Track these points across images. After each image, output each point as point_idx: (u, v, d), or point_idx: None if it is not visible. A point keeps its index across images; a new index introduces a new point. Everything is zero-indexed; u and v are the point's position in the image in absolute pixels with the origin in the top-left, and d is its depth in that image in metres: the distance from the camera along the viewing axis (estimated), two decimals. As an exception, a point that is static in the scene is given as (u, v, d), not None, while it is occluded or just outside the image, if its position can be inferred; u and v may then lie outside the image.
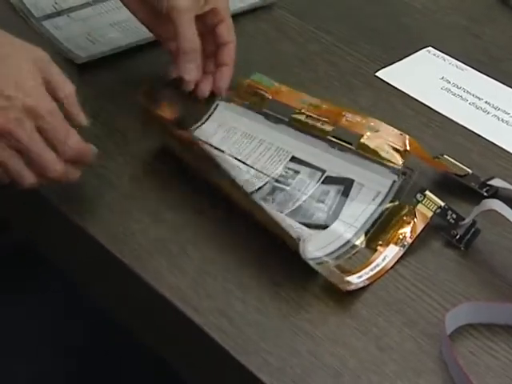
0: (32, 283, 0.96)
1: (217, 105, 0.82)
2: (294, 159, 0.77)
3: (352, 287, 0.66)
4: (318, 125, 0.78)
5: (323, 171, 0.76)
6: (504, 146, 0.82)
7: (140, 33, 0.93)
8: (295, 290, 0.66)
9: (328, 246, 0.70)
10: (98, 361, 0.91)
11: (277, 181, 0.76)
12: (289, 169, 0.77)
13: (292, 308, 0.65)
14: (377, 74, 0.91)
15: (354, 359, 0.61)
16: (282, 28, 0.95)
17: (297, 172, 0.77)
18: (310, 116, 0.79)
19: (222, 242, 0.70)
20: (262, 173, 0.76)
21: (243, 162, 0.77)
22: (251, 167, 0.77)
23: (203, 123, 0.81)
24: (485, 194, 0.74)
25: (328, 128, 0.78)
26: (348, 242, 0.71)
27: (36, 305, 0.94)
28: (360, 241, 0.71)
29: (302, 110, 0.79)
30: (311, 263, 0.66)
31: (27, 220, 0.82)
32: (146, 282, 0.67)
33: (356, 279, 0.67)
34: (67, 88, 0.70)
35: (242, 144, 0.79)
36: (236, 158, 0.78)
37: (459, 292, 0.67)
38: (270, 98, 0.82)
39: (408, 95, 0.88)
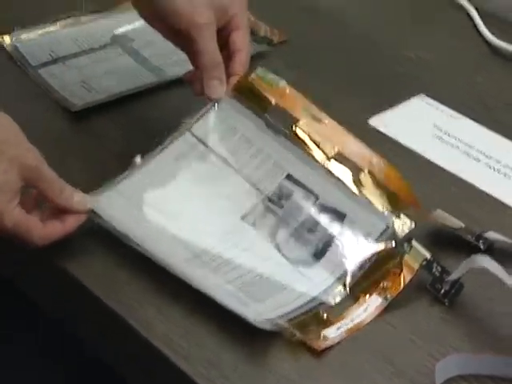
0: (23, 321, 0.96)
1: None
2: (289, 177, 0.77)
3: (328, 343, 0.66)
4: (320, 146, 0.77)
5: (317, 197, 0.76)
6: (496, 195, 0.83)
7: (135, 80, 0.96)
8: (285, 339, 0.66)
9: (311, 291, 0.70)
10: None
11: (270, 200, 0.76)
12: (283, 187, 0.77)
13: (283, 359, 0.65)
14: (369, 121, 0.92)
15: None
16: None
17: (291, 193, 0.76)
18: (310, 134, 0.78)
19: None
20: (257, 189, 0.76)
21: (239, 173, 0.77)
22: (246, 181, 0.77)
23: (202, 116, 0.80)
24: (481, 246, 0.74)
25: (328, 152, 0.77)
26: (331, 286, 0.70)
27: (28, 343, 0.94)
28: (343, 286, 0.71)
29: (303, 125, 0.78)
30: (276, 327, 0.65)
31: (13, 264, 0.83)
32: (135, 330, 0.68)
33: (334, 331, 0.67)
34: (56, 191, 0.72)
35: (240, 149, 0.79)
36: (233, 167, 0.77)
37: (448, 343, 0.67)
38: (273, 102, 0.80)
39: (400, 143, 0.90)
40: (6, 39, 1.02)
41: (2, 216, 0.68)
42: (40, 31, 1.05)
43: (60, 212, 0.72)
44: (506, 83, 1.02)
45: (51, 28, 1.05)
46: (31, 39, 1.03)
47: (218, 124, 0.80)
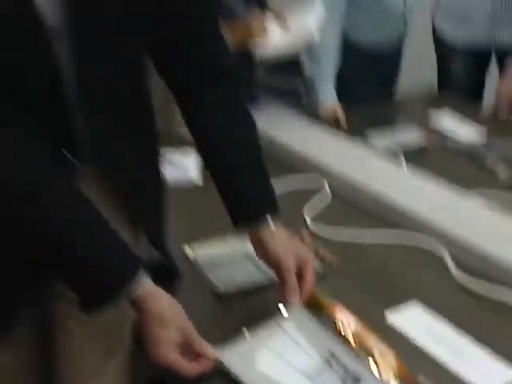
0: None
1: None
2: (332, 354, 1.17)
3: None
4: (352, 338, 1.18)
5: (345, 368, 1.15)
6: (456, 372, 1.19)
7: (255, 280, 1.34)
8: None
9: None
10: None
11: (320, 366, 1.15)
12: (328, 362, 1.16)
13: None
14: (386, 318, 1.28)
15: None
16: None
17: (331, 363, 1.16)
18: (346, 332, 1.20)
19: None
20: (312, 358, 1.16)
21: (302, 348, 1.18)
22: (306, 353, 1.17)
23: (284, 313, 1.22)
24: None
25: (355, 342, 1.19)
26: None
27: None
28: None
29: (343, 327, 1.21)
30: None
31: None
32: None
33: None
34: (198, 346, 1.10)
35: (304, 334, 1.19)
36: (300, 345, 1.19)
37: None
38: (326, 311, 1.22)
39: (404, 335, 1.25)
40: (190, 251, 1.44)
41: (166, 357, 1.09)
42: (208, 246, 1.43)
43: (200, 357, 1.11)
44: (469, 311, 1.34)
45: (213, 243, 1.44)
46: (203, 251, 1.43)
47: (292, 320, 1.23)
